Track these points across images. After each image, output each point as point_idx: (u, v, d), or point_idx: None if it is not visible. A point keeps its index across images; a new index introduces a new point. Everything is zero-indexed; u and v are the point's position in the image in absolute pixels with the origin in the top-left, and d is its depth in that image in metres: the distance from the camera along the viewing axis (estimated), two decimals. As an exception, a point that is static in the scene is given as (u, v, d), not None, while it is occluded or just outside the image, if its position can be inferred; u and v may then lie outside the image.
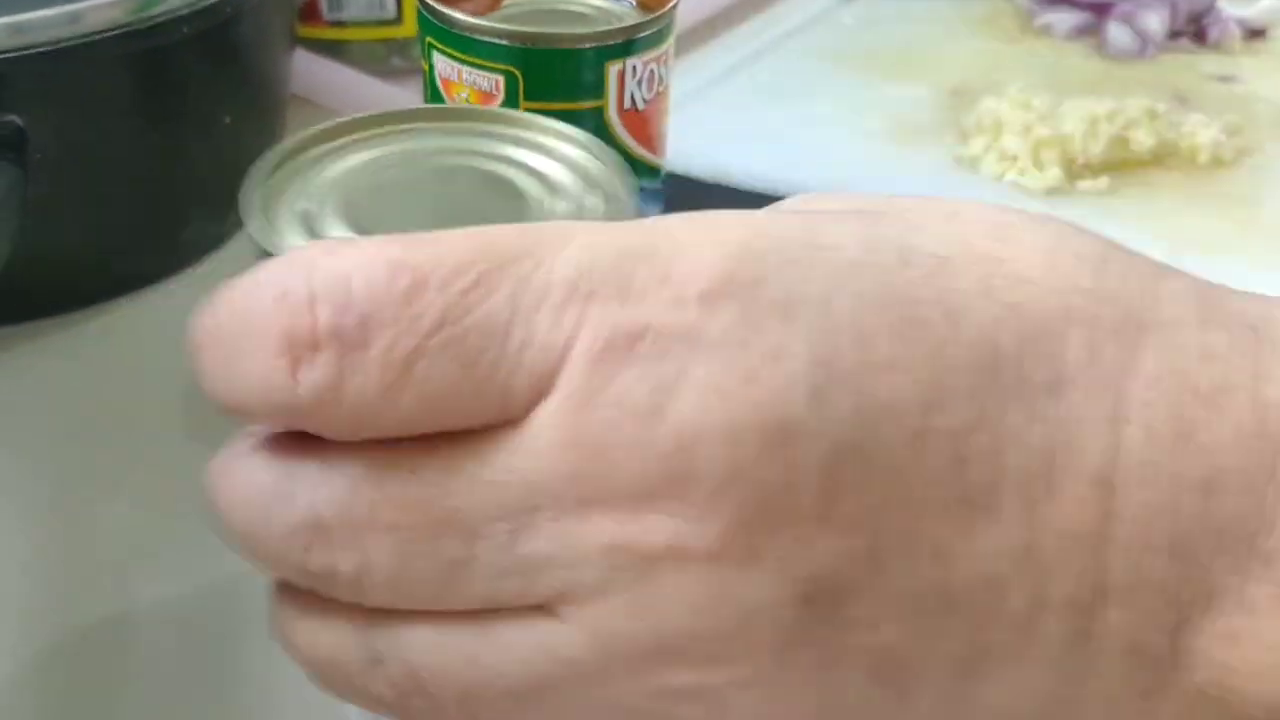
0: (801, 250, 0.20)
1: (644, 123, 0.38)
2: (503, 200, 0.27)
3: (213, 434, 0.43)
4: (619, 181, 0.27)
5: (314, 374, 0.20)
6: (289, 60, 0.49)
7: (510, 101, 0.36)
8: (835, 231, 0.21)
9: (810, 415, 0.19)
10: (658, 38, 0.37)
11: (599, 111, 0.36)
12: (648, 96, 0.37)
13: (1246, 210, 0.52)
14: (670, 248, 0.20)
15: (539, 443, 0.20)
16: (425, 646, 0.22)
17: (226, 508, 0.23)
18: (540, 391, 0.20)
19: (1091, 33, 0.64)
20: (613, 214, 0.26)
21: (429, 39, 0.37)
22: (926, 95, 0.59)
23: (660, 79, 0.38)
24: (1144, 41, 0.62)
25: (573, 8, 0.40)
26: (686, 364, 0.19)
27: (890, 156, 0.54)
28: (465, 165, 0.28)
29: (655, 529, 0.20)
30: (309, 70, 0.53)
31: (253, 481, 0.22)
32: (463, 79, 0.36)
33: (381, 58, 0.56)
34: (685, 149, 0.53)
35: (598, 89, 0.36)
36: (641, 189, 0.39)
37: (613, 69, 0.36)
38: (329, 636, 0.23)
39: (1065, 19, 0.64)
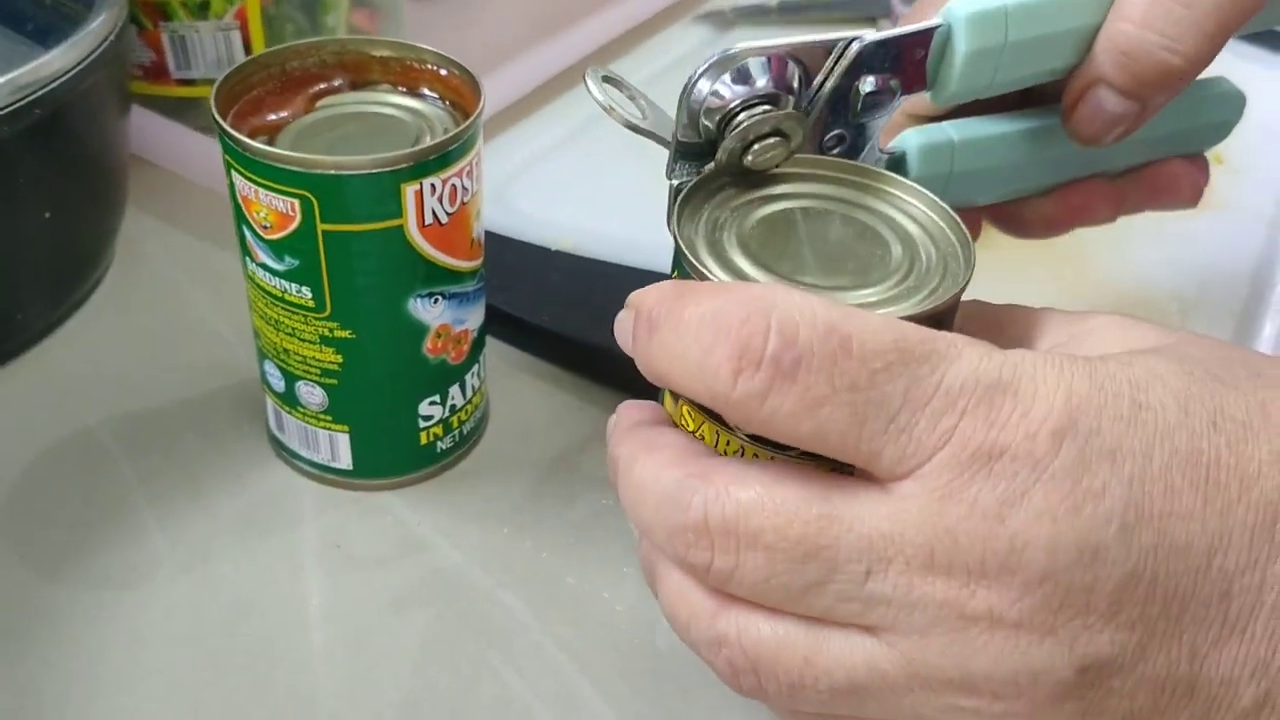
0: (1130, 409, 0.26)
1: (450, 234, 0.38)
2: (864, 244, 0.32)
3: (34, 544, 0.42)
4: (960, 249, 0.32)
5: (750, 383, 0.27)
6: (121, 140, 0.48)
7: (307, 223, 0.36)
8: (1159, 395, 0.27)
9: (1117, 544, 0.26)
10: (457, 154, 0.36)
11: (399, 230, 0.36)
12: (450, 210, 0.37)
13: (1072, 265, 0.53)
14: (1030, 390, 0.26)
15: (906, 515, 0.27)
16: (765, 640, 0.28)
17: (626, 489, 0.30)
18: (903, 470, 0.27)
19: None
20: (949, 277, 0.31)
21: (227, 158, 0.37)
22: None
23: (465, 189, 0.37)
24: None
25: (385, 110, 0.40)
26: (1029, 486, 0.26)
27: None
28: (838, 211, 0.34)
29: (980, 599, 0.26)
30: (153, 132, 0.53)
31: (658, 478, 0.29)
32: (260, 199, 0.36)
33: (230, 117, 0.55)
34: (529, 211, 0.53)
35: (395, 210, 0.36)
36: (452, 294, 0.40)
37: (409, 190, 0.36)
38: (689, 602, 0.30)
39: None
